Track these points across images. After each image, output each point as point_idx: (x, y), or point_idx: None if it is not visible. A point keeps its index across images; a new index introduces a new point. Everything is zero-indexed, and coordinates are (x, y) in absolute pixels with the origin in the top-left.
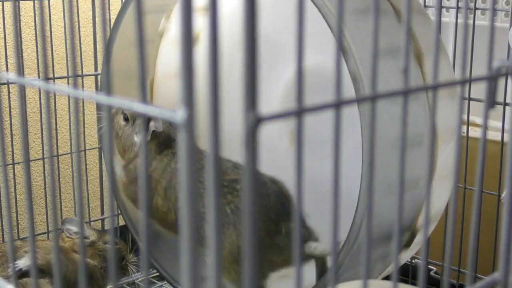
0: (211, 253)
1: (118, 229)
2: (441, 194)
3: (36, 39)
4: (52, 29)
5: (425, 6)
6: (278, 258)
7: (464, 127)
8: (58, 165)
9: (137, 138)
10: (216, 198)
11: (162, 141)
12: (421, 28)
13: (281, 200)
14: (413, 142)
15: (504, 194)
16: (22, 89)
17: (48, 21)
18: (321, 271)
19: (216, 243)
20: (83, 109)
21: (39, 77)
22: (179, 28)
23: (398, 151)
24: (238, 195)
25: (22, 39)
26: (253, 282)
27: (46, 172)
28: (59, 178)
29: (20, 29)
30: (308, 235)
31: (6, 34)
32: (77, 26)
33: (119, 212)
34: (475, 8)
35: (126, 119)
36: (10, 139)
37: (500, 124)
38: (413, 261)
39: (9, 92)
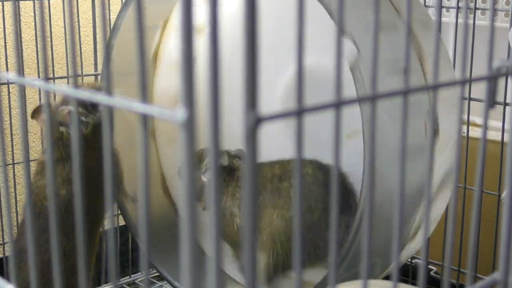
0: (213, 251)
1: (118, 229)
2: (440, 201)
3: (36, 39)
4: (52, 29)
5: (425, 6)
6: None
7: (464, 127)
8: None
9: (204, 178)
10: (217, 196)
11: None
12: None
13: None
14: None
15: (504, 194)
16: (22, 89)
17: (48, 21)
18: None
19: (217, 241)
20: None
21: (39, 77)
22: (180, 28)
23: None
24: (304, 180)
25: (22, 39)
26: (253, 269)
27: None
28: None
29: (20, 29)
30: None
31: (6, 34)
32: (77, 26)
33: (119, 212)
34: (475, 8)
35: None
36: (10, 139)
37: (500, 124)
38: (413, 261)
39: (9, 92)
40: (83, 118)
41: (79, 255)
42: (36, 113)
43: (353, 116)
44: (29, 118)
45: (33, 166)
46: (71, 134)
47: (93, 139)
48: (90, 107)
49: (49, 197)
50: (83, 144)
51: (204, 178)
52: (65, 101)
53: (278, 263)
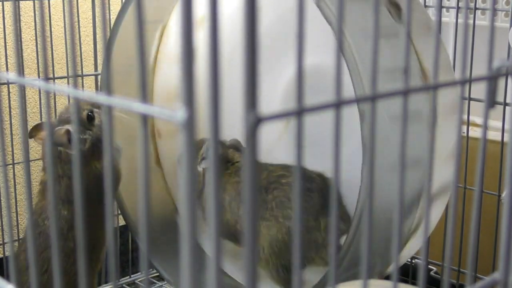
0: (212, 254)
1: (118, 229)
2: (444, 173)
3: (36, 39)
4: (52, 29)
5: (425, 6)
6: (315, 254)
7: (464, 127)
8: None
9: (200, 168)
10: (216, 198)
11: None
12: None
13: (324, 196)
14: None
15: (504, 194)
16: (22, 89)
17: (48, 21)
18: None
19: (217, 242)
20: None
21: (39, 77)
22: (180, 27)
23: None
24: (284, 189)
25: (22, 39)
26: (253, 276)
27: None
28: None
29: (20, 29)
30: (345, 229)
31: (6, 34)
32: (77, 26)
33: (119, 212)
34: (475, 8)
35: None
36: (10, 139)
37: (500, 124)
38: (413, 261)
39: (9, 92)
40: (81, 136)
41: (79, 260)
42: (34, 131)
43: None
44: (31, 112)
45: (33, 166)
46: (70, 152)
47: (91, 155)
48: (86, 123)
49: (50, 217)
50: (83, 162)
51: (200, 168)
52: (60, 121)
53: (273, 275)
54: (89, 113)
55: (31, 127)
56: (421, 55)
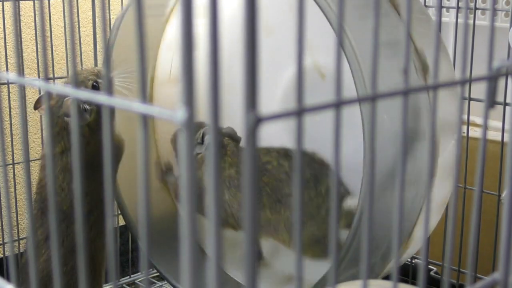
0: (212, 251)
1: (118, 229)
2: (441, 190)
3: (36, 39)
4: (52, 29)
5: (425, 6)
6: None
7: (464, 127)
8: None
9: (198, 149)
10: (216, 196)
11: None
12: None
13: (314, 169)
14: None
15: (504, 194)
16: (22, 89)
17: (48, 21)
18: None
19: (217, 239)
20: None
21: (39, 77)
22: (180, 27)
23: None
24: (271, 175)
25: (22, 39)
26: (252, 255)
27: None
28: None
29: (20, 29)
30: (344, 192)
31: (6, 34)
32: (77, 26)
33: (119, 212)
34: (475, 8)
35: None
36: (10, 139)
37: (500, 124)
38: (413, 261)
39: (9, 92)
40: (87, 106)
41: (78, 251)
42: (39, 103)
43: None
44: (31, 112)
45: (33, 166)
46: (72, 125)
47: (97, 125)
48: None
49: (49, 189)
50: (89, 131)
51: (197, 149)
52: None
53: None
54: (94, 84)
55: (36, 99)
56: (414, 35)
